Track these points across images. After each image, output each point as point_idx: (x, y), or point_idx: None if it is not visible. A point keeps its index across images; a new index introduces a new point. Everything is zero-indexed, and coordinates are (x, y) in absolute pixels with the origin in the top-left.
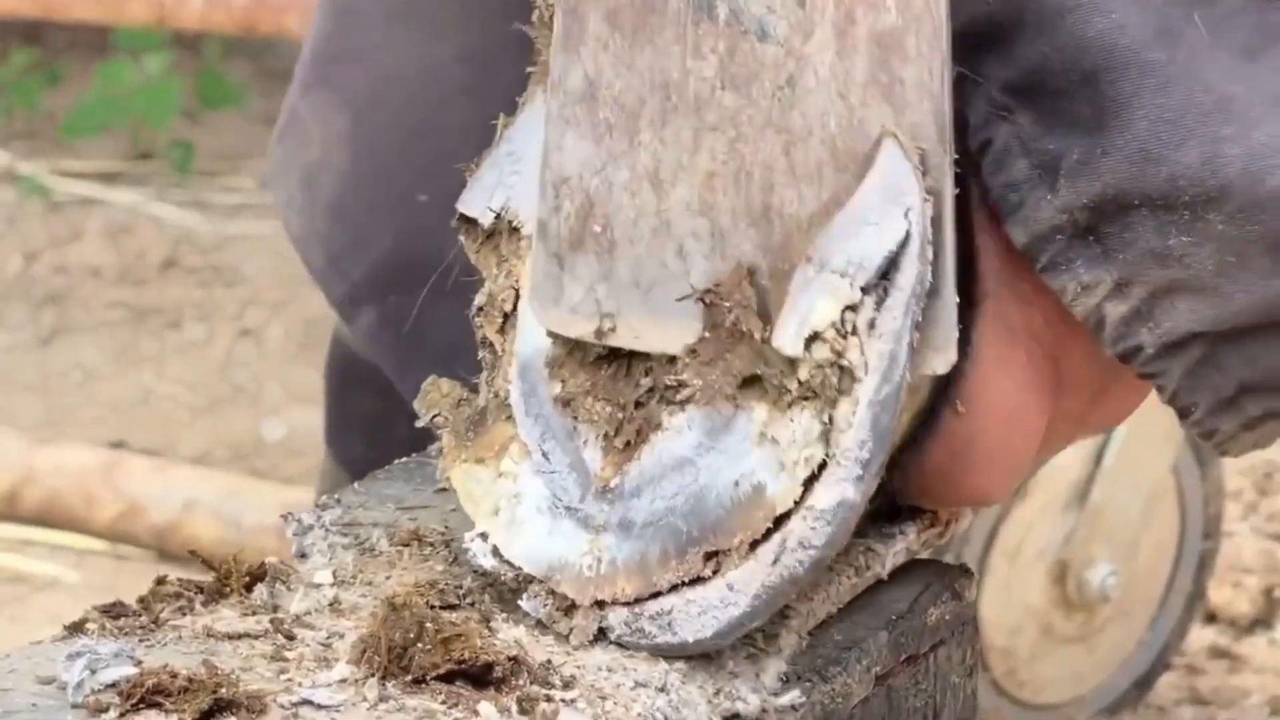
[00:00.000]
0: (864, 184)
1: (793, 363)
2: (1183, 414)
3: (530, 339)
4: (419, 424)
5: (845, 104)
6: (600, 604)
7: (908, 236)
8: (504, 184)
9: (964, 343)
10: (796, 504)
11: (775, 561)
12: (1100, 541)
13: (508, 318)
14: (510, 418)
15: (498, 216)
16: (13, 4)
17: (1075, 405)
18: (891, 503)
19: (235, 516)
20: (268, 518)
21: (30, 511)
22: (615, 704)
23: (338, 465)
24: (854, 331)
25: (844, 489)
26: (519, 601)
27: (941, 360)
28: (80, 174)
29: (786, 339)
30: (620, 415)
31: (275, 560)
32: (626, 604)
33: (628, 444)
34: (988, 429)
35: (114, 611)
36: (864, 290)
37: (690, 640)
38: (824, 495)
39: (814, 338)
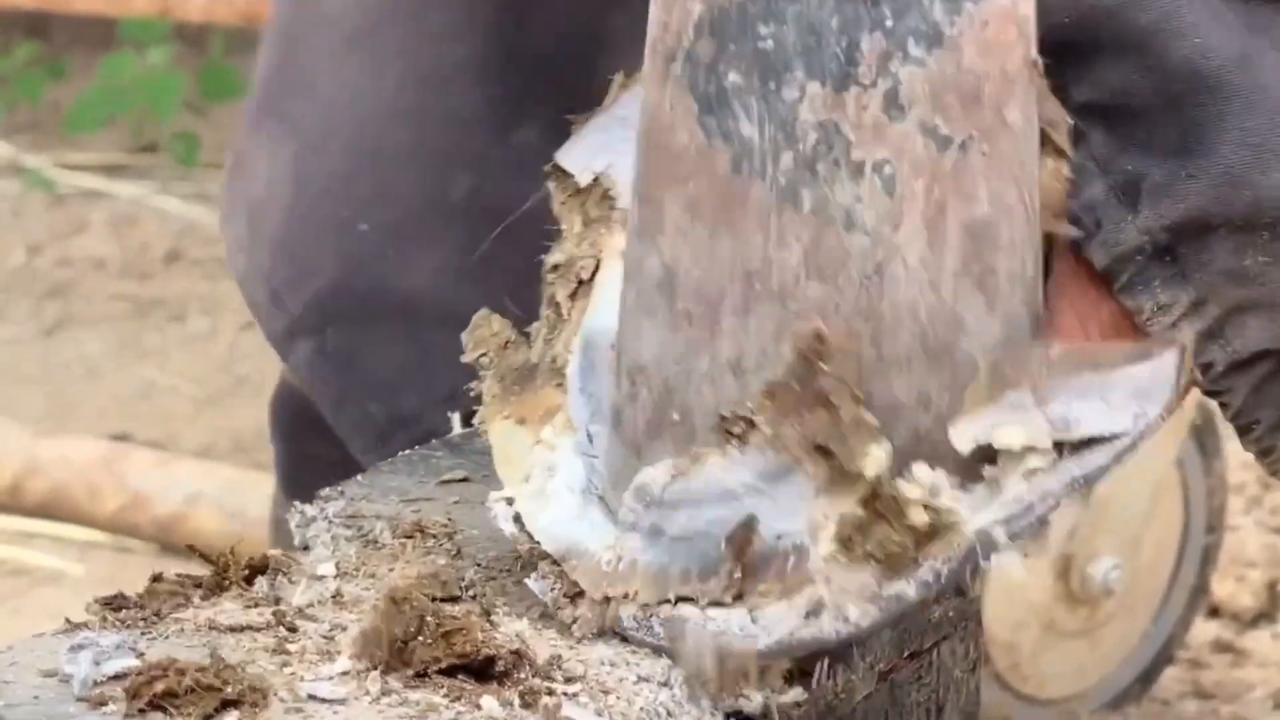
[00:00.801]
0: (1129, 368)
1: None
2: (1244, 431)
3: (602, 316)
4: (464, 359)
5: (936, 295)
6: (607, 599)
7: (1123, 435)
8: (610, 148)
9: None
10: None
11: (809, 617)
12: (1104, 535)
13: (582, 284)
14: (561, 385)
15: (595, 179)
16: None
17: None
18: None
19: (238, 509)
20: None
21: (33, 504)
22: (618, 698)
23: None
24: (1013, 470)
25: (908, 586)
26: (526, 580)
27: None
28: (84, 167)
29: (962, 436)
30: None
31: (278, 552)
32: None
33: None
34: None
35: (115, 604)
36: (1054, 446)
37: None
38: (886, 580)
39: (985, 450)
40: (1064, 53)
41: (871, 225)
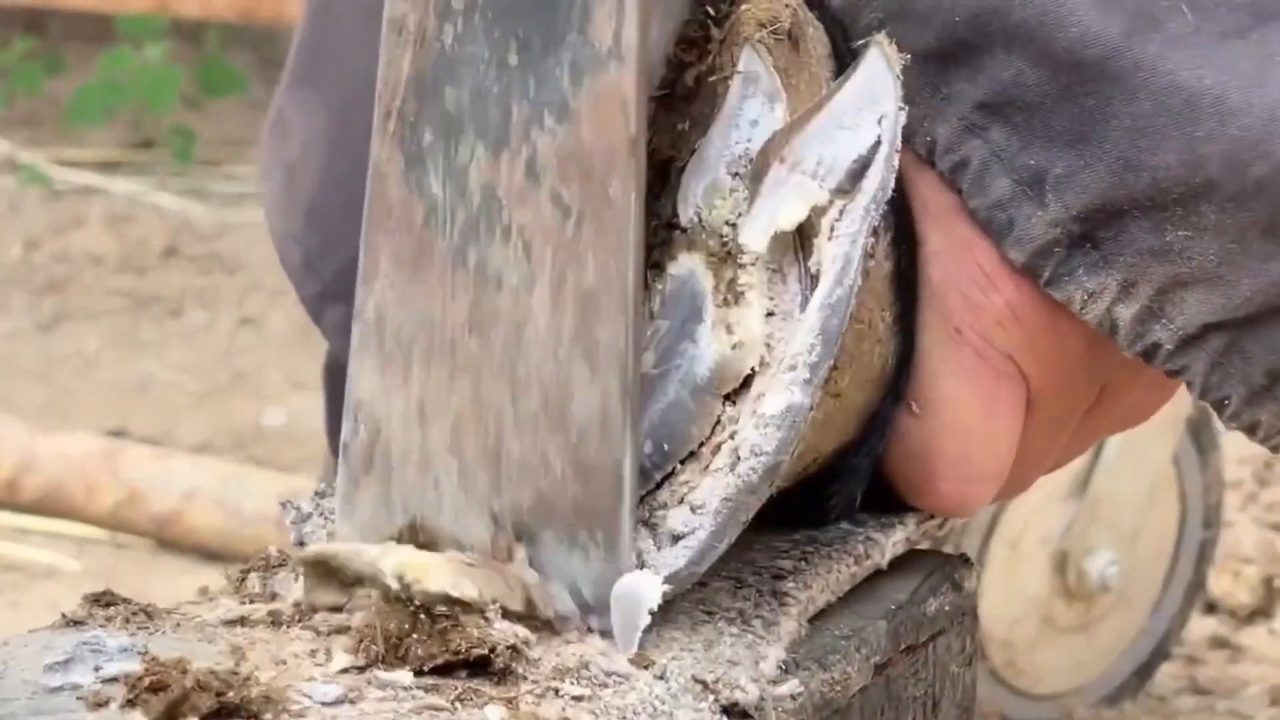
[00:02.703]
0: (844, 88)
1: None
2: (1218, 409)
3: None
4: None
5: (555, 359)
6: None
7: (878, 142)
8: None
9: (911, 341)
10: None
11: (730, 471)
12: (1101, 531)
13: None
14: None
15: None
16: None
17: (1067, 404)
18: (891, 492)
19: (236, 504)
20: (268, 505)
21: (30, 499)
22: (613, 693)
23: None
24: (817, 234)
25: (791, 394)
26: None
27: None
28: (81, 163)
29: (754, 236)
30: None
31: (274, 549)
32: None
33: None
34: (942, 431)
35: (104, 600)
36: (833, 193)
37: (666, 574)
38: (772, 401)
39: (779, 237)
40: (958, 52)
41: (514, 287)
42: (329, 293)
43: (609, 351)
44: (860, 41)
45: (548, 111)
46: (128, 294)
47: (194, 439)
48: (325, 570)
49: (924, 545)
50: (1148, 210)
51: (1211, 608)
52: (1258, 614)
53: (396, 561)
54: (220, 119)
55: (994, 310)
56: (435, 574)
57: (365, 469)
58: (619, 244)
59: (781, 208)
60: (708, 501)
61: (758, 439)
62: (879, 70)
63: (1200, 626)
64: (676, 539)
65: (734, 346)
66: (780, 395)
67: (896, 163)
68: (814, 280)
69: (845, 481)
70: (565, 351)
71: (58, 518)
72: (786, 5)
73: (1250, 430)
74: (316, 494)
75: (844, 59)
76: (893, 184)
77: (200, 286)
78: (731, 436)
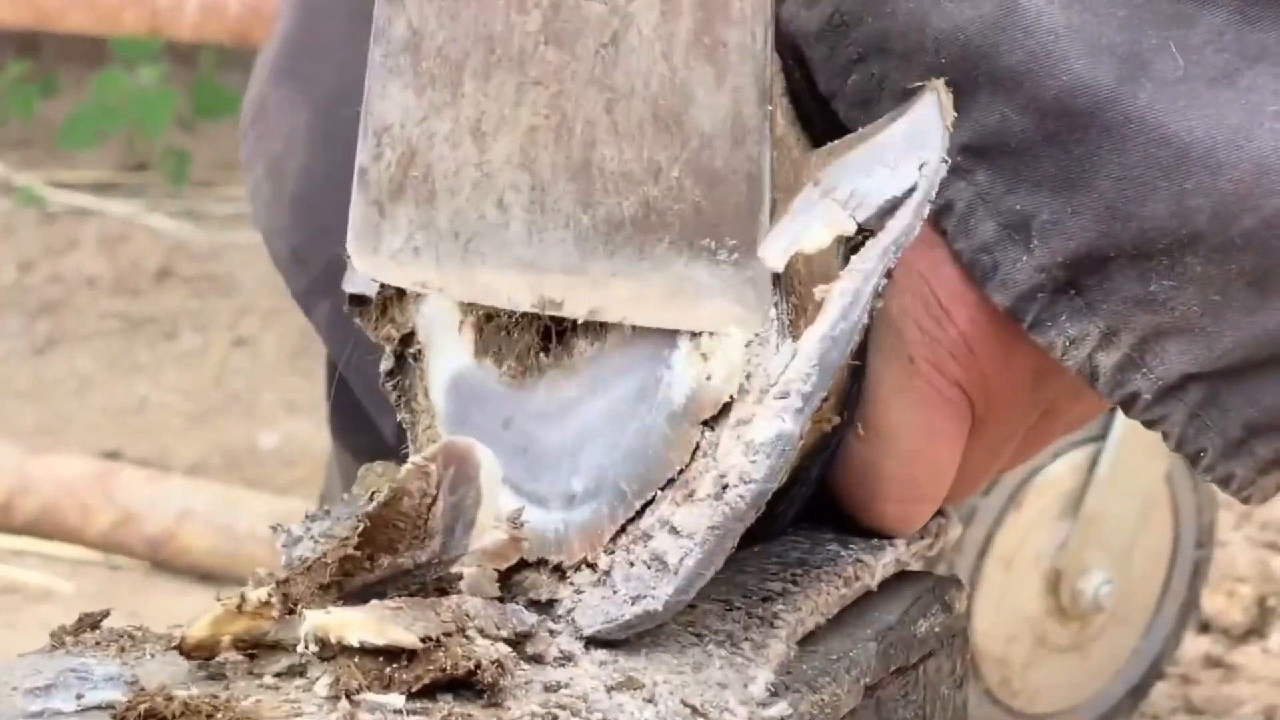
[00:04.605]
0: (892, 126)
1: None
2: (1193, 460)
3: (448, 361)
4: (357, 496)
5: (668, 65)
6: (561, 571)
7: (914, 188)
8: None
9: (863, 367)
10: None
11: (717, 499)
12: (1094, 550)
13: (416, 365)
14: None
15: (382, 285)
16: (8, 14)
17: (1010, 427)
18: (835, 508)
19: (229, 526)
20: (262, 527)
21: (24, 521)
22: (604, 716)
23: (343, 451)
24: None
25: (782, 421)
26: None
27: None
28: (75, 184)
29: (773, 253)
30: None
31: (264, 572)
32: (587, 585)
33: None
34: (889, 455)
35: (91, 622)
36: (859, 226)
37: (662, 599)
38: (761, 428)
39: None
40: None
41: None
42: (318, 288)
43: (741, 53)
44: (917, 84)
45: None
46: (122, 316)
47: (188, 461)
48: (266, 647)
49: (914, 566)
50: (1133, 259)
51: (1205, 627)
52: (1251, 633)
53: (311, 625)
54: (214, 141)
55: (948, 342)
56: (355, 629)
57: (395, 194)
58: None
59: (807, 230)
60: (694, 529)
61: (746, 466)
62: (930, 116)
63: (1194, 646)
64: (663, 566)
65: (710, 373)
66: (770, 423)
67: (926, 213)
68: (796, 308)
69: (794, 496)
70: (682, 56)
71: (52, 540)
72: None
73: (1224, 483)
74: (308, 517)
75: (801, 97)
76: (918, 232)
77: (194, 308)
78: (716, 463)
